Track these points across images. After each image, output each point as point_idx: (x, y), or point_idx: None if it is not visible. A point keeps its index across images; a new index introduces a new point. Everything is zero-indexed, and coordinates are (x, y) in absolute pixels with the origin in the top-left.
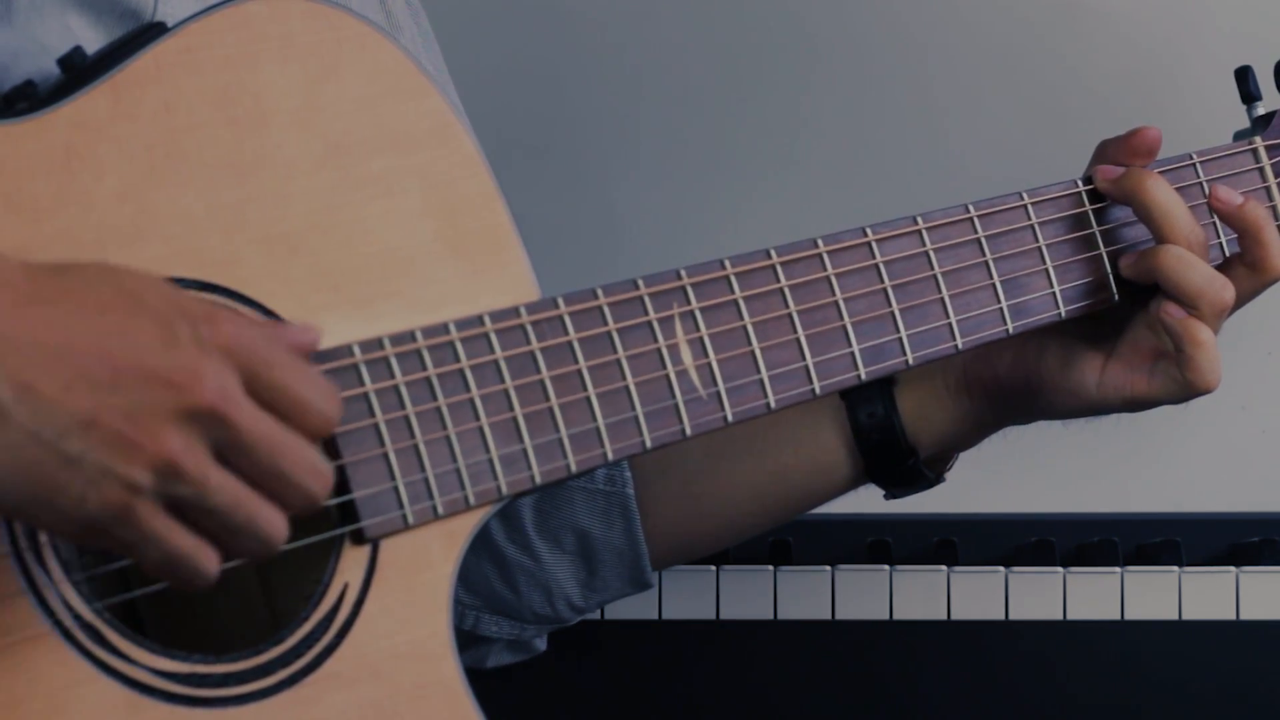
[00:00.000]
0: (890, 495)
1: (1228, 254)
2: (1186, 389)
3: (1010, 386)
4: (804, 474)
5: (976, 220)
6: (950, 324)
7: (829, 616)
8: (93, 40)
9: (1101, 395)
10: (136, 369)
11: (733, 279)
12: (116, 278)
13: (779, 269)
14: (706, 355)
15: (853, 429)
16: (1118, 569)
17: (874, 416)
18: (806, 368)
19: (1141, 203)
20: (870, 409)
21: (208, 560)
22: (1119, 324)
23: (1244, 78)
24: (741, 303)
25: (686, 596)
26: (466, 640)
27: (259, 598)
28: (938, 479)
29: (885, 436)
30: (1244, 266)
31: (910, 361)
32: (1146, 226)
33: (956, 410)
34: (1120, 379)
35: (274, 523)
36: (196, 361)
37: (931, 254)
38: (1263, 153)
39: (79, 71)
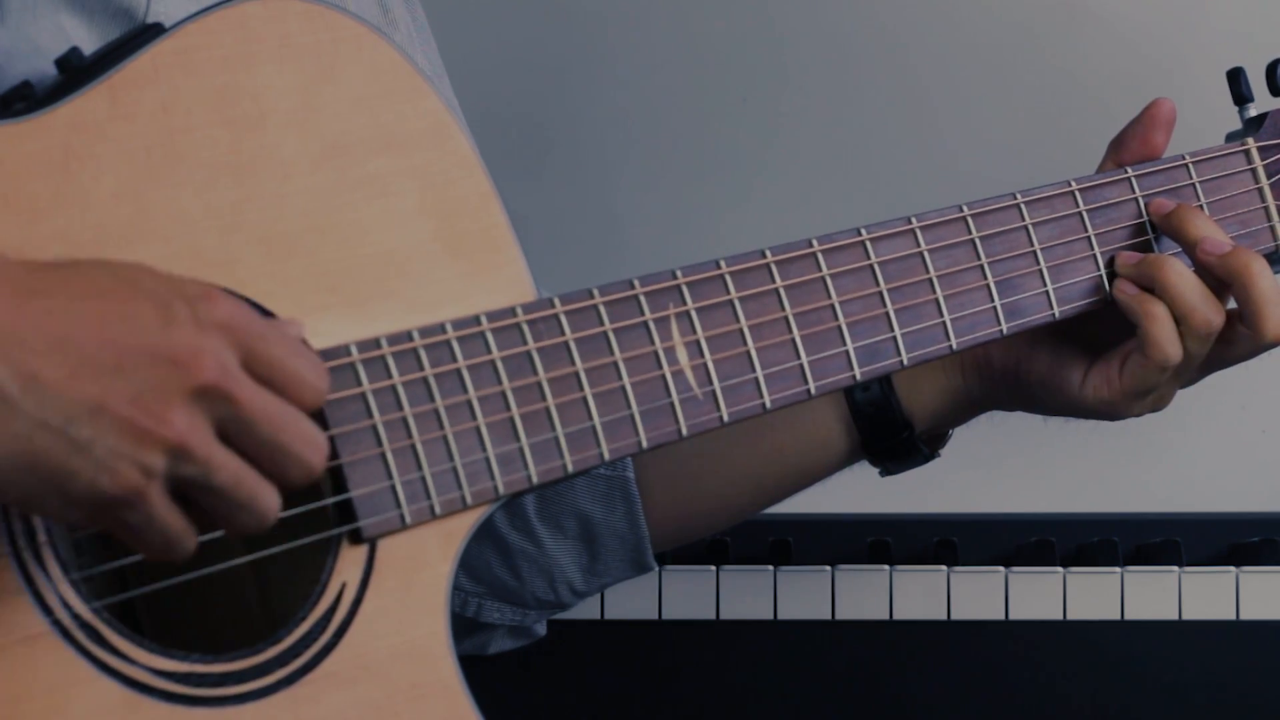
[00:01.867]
0: (886, 472)
1: None
2: (1150, 371)
3: (1000, 371)
4: (800, 451)
5: (970, 221)
6: (944, 324)
7: (829, 616)
8: (86, 39)
9: (1082, 395)
10: (139, 350)
11: (728, 279)
12: (111, 266)
13: (774, 269)
14: (702, 355)
15: (849, 403)
16: (1118, 569)
17: (869, 389)
18: (802, 368)
19: (1163, 286)
20: (866, 383)
21: (190, 540)
22: (1110, 329)
23: (1236, 79)
24: (737, 303)
25: (686, 596)
26: (468, 627)
27: (257, 597)
28: (932, 454)
29: (881, 410)
30: (1241, 325)
31: (905, 362)
32: (1168, 306)
33: (949, 385)
34: (1099, 381)
35: (270, 499)
36: (197, 339)
37: (926, 255)
38: (1255, 154)
39: (76, 72)
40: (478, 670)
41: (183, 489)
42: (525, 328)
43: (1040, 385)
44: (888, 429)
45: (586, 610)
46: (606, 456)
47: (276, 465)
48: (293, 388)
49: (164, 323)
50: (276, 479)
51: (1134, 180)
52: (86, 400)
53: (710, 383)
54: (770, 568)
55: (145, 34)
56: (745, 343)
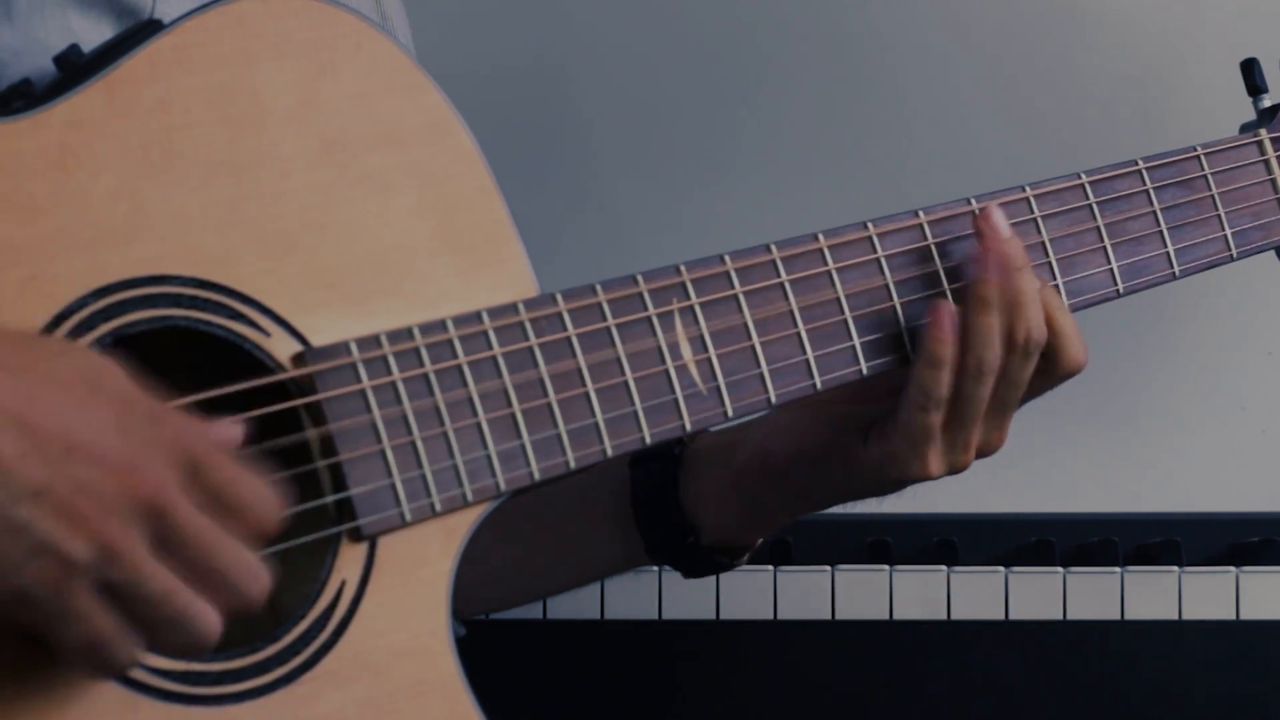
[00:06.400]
0: (688, 575)
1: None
2: (915, 410)
3: (783, 461)
4: (585, 546)
5: (978, 214)
6: None
7: (829, 616)
8: (94, 39)
9: (867, 454)
10: (89, 449)
11: (733, 274)
12: (76, 358)
13: (779, 264)
14: (706, 350)
15: (631, 504)
16: (1118, 569)
17: (655, 494)
18: (808, 362)
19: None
20: (650, 488)
21: (125, 648)
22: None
23: (1250, 70)
24: (742, 298)
25: (686, 596)
26: None
27: None
28: (719, 563)
29: (662, 513)
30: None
31: (911, 357)
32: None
33: (732, 499)
34: (877, 434)
35: (207, 616)
36: (142, 454)
37: (934, 249)
38: (1268, 145)
39: (75, 69)
40: (478, 669)
41: (115, 597)
42: (527, 324)
43: (826, 459)
44: (672, 535)
45: (586, 610)
46: (609, 453)
47: (210, 590)
48: (236, 514)
49: (117, 430)
50: (213, 605)
51: (1145, 172)
52: (31, 483)
53: (714, 378)
54: (770, 568)
55: (144, 31)
56: (750, 337)
